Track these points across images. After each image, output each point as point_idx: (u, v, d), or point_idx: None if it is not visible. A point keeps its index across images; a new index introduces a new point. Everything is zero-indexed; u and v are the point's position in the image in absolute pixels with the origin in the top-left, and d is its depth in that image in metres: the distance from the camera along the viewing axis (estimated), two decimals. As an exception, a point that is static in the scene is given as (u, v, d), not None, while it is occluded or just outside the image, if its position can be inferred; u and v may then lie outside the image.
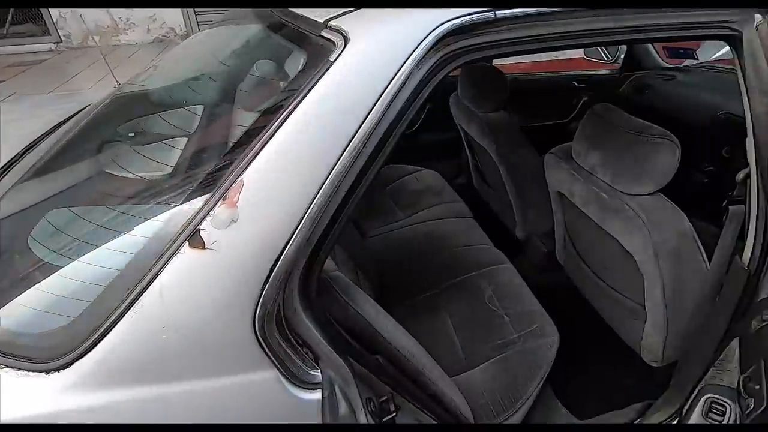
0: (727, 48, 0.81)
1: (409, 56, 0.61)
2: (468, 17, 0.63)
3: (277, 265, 0.58)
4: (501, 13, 0.64)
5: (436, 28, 0.62)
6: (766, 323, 0.71)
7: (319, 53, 0.64)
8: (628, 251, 1.06)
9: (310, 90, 0.60)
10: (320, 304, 0.68)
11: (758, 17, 0.73)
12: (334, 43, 0.63)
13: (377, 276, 1.36)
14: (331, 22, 0.67)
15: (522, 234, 1.76)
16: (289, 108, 0.59)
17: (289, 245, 0.58)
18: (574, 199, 1.20)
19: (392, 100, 0.60)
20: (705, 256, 1.00)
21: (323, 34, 0.66)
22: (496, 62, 1.85)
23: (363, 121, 0.59)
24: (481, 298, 1.29)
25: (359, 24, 0.65)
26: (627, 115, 1.03)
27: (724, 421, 0.75)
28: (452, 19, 0.63)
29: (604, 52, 2.25)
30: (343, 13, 0.68)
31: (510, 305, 1.25)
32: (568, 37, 0.68)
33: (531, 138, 1.62)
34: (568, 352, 1.19)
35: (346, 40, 0.62)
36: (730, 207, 0.90)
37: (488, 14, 0.64)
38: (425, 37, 0.62)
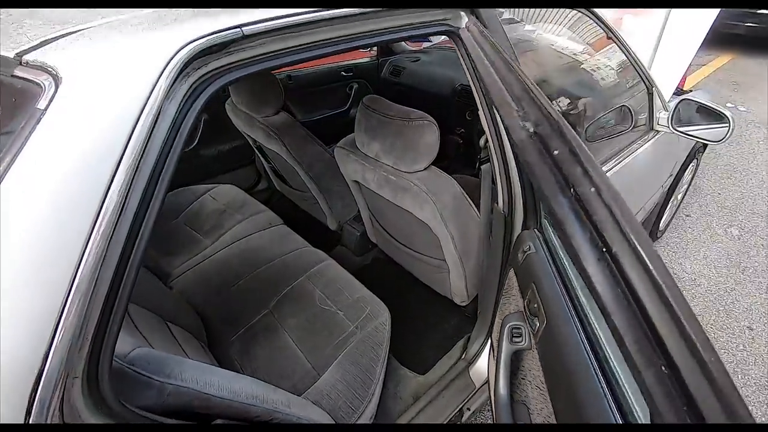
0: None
1: (153, 88, 0.52)
2: (214, 36, 0.58)
3: (43, 375, 0.44)
4: (248, 29, 0.61)
5: (178, 52, 0.55)
6: (527, 254, 0.91)
7: (17, 101, 0.49)
8: (422, 220, 1.21)
9: (19, 152, 0.45)
10: (125, 397, 0.55)
11: (464, 17, 0.88)
12: (39, 84, 0.48)
13: (195, 320, 1.21)
14: (26, 57, 0.51)
15: (334, 225, 1.83)
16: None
17: (54, 343, 0.44)
18: (369, 185, 1.29)
19: (147, 144, 0.51)
20: (474, 206, 1.22)
21: (18, 73, 0.50)
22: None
23: (113, 176, 0.48)
24: (312, 301, 1.29)
25: (73, 57, 0.52)
26: (390, 104, 1.15)
27: (523, 342, 0.91)
28: (195, 40, 0.56)
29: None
30: (42, 44, 0.53)
31: (340, 299, 1.29)
32: (317, 47, 0.70)
33: (317, 130, 1.66)
34: (399, 319, 1.31)
35: (57, 79, 0.48)
36: (482, 166, 1.11)
37: (236, 31, 0.60)
38: (167, 64, 0.53)
